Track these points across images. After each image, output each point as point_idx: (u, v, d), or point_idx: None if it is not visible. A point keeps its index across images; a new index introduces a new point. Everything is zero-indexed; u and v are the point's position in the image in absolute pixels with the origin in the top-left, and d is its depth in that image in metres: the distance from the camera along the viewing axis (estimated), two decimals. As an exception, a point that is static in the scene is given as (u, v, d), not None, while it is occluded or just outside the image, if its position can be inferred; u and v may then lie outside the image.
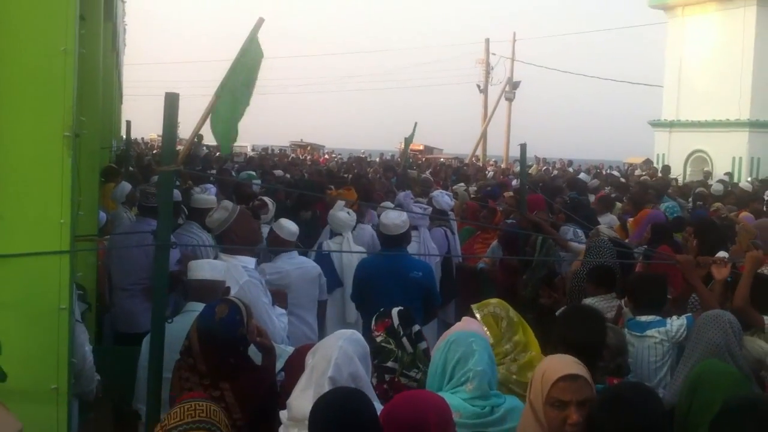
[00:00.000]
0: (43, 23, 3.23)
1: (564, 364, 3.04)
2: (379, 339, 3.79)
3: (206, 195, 7.70)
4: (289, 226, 6.23)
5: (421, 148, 47.55)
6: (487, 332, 3.85)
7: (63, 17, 3.25)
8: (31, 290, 3.17)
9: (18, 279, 3.14)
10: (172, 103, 3.68)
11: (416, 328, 3.86)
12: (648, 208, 10.06)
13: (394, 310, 3.87)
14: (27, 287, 3.16)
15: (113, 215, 8.73)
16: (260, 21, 3.86)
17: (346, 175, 16.28)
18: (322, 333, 6.52)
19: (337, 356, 3.11)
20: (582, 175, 18.98)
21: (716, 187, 14.57)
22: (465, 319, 3.90)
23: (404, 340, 3.82)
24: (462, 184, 13.71)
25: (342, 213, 7.37)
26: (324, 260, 7.06)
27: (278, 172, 15.29)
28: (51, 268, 3.21)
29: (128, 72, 30.68)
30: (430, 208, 8.64)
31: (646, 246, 7.32)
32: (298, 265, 6.19)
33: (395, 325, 3.79)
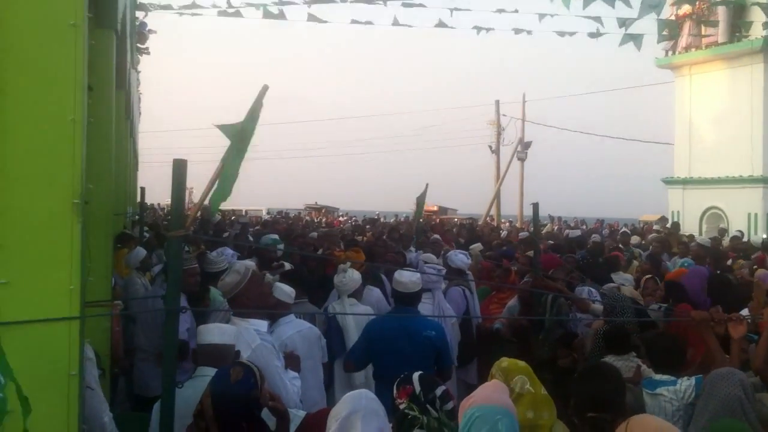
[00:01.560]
0: (51, 94, 3.29)
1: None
2: (402, 406, 3.71)
3: (221, 258, 7.77)
4: (283, 288, 6.21)
5: (435, 209, 47.71)
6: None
7: (71, 88, 3.31)
8: (40, 356, 3.17)
9: (28, 345, 3.14)
10: (179, 169, 3.74)
11: (441, 389, 3.76)
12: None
13: (415, 375, 3.78)
14: (36, 353, 3.16)
15: (127, 281, 8.76)
16: (265, 88, 3.92)
17: (359, 237, 16.36)
18: (329, 397, 6.47)
19: (364, 414, 3.16)
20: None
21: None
22: (494, 383, 3.71)
23: (428, 405, 3.73)
24: (478, 244, 13.73)
25: (339, 276, 7.36)
26: (330, 324, 7.07)
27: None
28: (60, 334, 3.22)
29: (144, 140, 31.10)
30: (444, 270, 8.61)
31: (665, 305, 7.27)
32: (297, 329, 6.13)
33: (417, 391, 3.71)
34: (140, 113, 23.90)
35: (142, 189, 13.48)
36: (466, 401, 3.33)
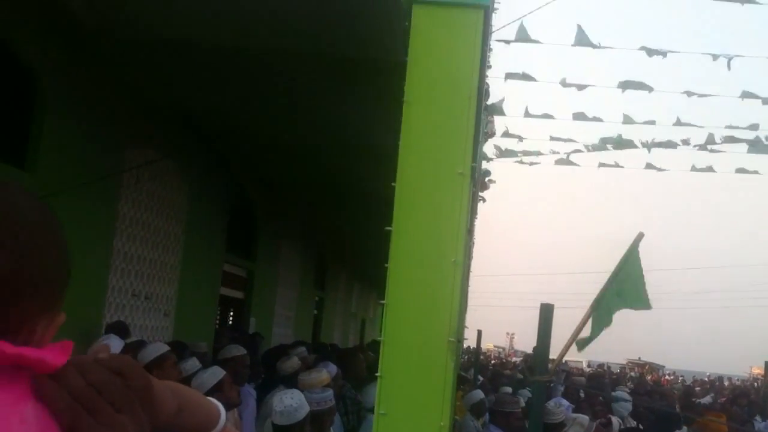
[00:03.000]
0: (438, 235, 3.47)
1: None
2: None
3: (559, 409, 7.60)
4: None
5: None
6: None
7: (455, 231, 3.48)
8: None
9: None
10: (547, 313, 3.75)
11: None
12: None
13: None
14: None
15: (461, 422, 8.84)
16: (640, 235, 3.83)
17: (696, 400, 15.26)
18: None
19: None
20: None
21: None
22: None
23: None
24: None
25: None
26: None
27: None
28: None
29: (473, 282, 31.91)
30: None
31: None
32: None
33: None
34: (472, 257, 24.73)
35: (479, 332, 13.73)
36: None
